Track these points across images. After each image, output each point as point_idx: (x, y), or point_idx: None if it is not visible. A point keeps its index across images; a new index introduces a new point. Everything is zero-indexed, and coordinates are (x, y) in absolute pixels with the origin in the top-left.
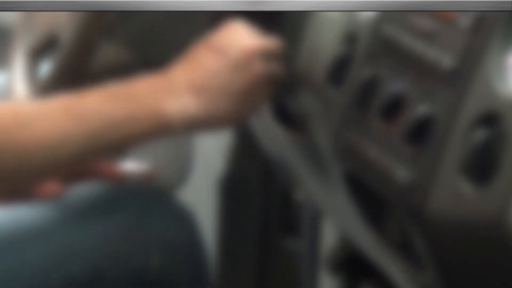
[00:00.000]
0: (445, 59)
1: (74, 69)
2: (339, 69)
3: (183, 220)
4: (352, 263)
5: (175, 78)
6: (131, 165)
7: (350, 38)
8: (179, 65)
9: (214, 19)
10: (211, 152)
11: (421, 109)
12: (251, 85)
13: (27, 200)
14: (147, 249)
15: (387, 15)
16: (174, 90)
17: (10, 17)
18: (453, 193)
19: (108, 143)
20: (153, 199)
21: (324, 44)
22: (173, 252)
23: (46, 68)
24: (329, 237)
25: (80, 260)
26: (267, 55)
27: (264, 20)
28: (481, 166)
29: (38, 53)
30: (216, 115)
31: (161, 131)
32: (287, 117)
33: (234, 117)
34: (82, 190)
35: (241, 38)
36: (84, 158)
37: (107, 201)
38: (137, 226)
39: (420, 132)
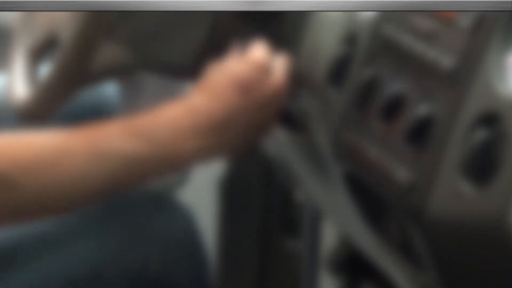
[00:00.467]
0: (445, 59)
1: (74, 69)
2: (339, 69)
3: (183, 220)
4: (352, 263)
5: (198, 114)
6: None
7: (350, 39)
8: (202, 96)
9: (214, 19)
10: None
11: (421, 109)
12: (271, 121)
13: None
14: (147, 249)
15: (387, 15)
16: (196, 130)
17: (10, 17)
18: (453, 193)
19: (127, 181)
20: (153, 199)
21: (324, 45)
22: (173, 252)
23: (46, 68)
24: (329, 237)
25: (80, 260)
26: (289, 86)
27: (264, 20)
28: (481, 166)
29: (38, 53)
30: (230, 151)
31: (178, 168)
32: (287, 117)
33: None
34: None
35: (267, 75)
36: (102, 194)
37: (107, 201)
38: (137, 226)
39: (420, 132)
